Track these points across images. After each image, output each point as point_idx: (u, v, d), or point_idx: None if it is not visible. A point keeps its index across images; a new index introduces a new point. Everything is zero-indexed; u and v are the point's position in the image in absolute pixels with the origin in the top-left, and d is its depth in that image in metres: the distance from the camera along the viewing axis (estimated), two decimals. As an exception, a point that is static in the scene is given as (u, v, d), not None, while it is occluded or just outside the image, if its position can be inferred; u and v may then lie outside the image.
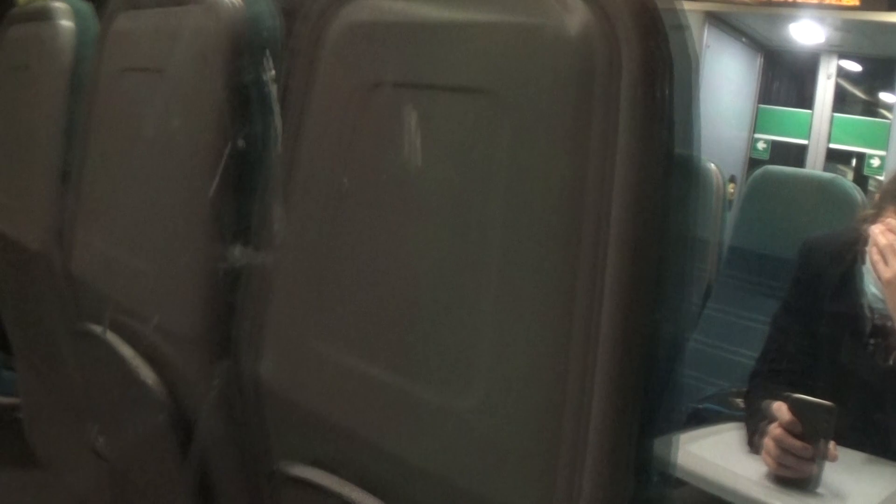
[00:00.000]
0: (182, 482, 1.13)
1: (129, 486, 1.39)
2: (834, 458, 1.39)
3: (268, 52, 1.04)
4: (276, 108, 1.03)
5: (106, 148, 1.38)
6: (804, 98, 7.03)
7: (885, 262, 1.52)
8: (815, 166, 6.54)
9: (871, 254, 1.55)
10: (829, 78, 6.75)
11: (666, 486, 0.75)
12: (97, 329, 1.27)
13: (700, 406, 2.02)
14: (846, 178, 2.65)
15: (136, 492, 1.37)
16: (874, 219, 1.60)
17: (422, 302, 0.82)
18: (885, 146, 6.21)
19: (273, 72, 1.03)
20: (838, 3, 5.63)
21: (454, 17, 0.83)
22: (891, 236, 1.53)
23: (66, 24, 1.56)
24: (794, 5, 5.88)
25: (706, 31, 6.13)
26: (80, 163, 1.44)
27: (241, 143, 1.03)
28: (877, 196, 1.73)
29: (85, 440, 1.43)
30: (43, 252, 1.53)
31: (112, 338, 1.22)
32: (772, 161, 6.63)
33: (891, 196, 1.59)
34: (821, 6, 5.73)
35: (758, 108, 7.11)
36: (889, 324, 1.55)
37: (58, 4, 1.59)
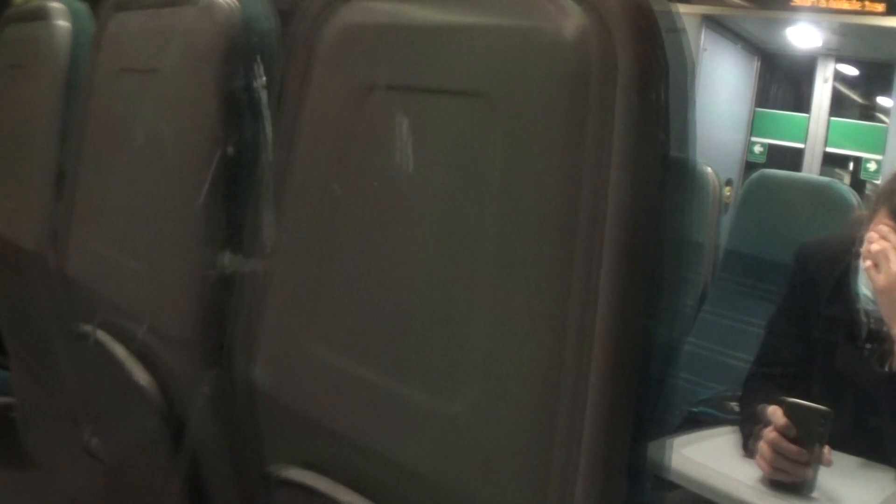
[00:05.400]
0: (175, 484, 1.13)
1: (123, 487, 1.39)
2: (828, 463, 1.39)
3: (258, 57, 1.03)
4: (266, 111, 1.03)
5: (101, 149, 1.38)
6: (801, 102, 7.03)
7: (878, 270, 1.52)
8: (811, 170, 6.54)
9: (865, 260, 1.55)
10: (825, 81, 6.74)
11: (660, 490, 0.75)
12: (91, 330, 1.26)
13: (695, 409, 2.02)
14: (843, 182, 2.65)
15: (129, 493, 1.37)
16: (869, 220, 1.60)
17: (415, 305, 0.81)
18: (881, 150, 6.20)
19: (264, 78, 1.03)
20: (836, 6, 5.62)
21: (450, 21, 0.83)
22: (884, 243, 1.52)
23: (62, 24, 1.55)
24: (792, 9, 5.88)
25: (703, 34, 6.13)
26: (74, 163, 1.44)
27: (234, 145, 1.03)
28: (872, 198, 1.73)
29: (79, 441, 1.42)
30: (37, 253, 1.52)
31: (106, 339, 1.22)
32: (768, 165, 6.63)
33: (885, 197, 1.59)
34: (818, 9, 5.73)
35: (754, 111, 7.10)
36: (885, 328, 1.55)
37: (54, 4, 1.59)
